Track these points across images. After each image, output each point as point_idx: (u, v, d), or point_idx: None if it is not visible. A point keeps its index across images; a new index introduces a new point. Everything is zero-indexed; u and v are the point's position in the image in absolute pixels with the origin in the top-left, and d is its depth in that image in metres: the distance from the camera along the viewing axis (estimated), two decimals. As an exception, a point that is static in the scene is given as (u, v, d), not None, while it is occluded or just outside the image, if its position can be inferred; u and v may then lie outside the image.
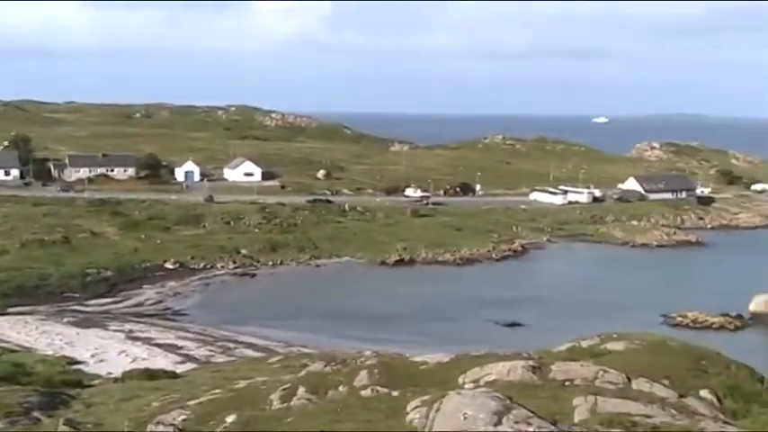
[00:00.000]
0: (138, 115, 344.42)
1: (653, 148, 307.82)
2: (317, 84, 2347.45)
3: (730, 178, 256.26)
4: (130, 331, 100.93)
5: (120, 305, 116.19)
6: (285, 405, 37.87)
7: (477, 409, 26.75)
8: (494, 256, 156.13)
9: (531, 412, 27.77)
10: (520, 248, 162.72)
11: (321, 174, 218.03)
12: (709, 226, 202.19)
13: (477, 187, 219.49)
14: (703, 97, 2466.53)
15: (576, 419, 31.03)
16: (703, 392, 40.91)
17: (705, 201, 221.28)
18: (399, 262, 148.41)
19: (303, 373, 48.32)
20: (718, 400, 40.86)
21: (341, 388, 39.85)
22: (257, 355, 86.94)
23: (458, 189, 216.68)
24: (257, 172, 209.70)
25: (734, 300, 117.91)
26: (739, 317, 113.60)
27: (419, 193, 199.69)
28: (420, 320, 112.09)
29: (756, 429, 32.79)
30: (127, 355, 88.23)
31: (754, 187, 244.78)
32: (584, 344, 52.01)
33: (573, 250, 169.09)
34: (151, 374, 63.21)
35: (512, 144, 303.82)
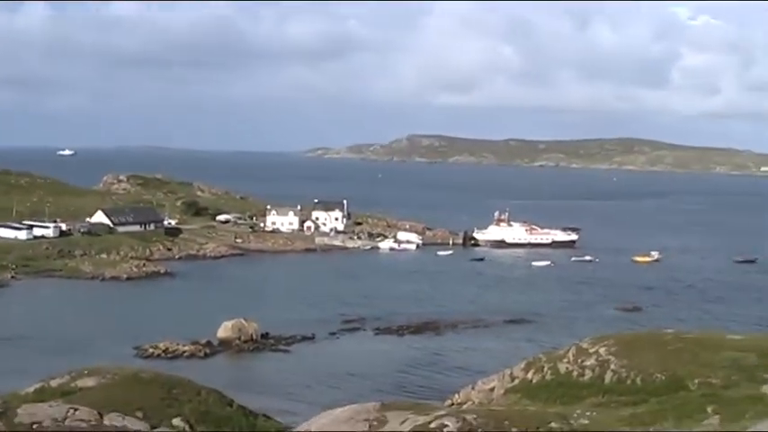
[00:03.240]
0: None
1: (120, 180, 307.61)
2: None
3: (196, 209, 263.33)
4: None
5: None
6: None
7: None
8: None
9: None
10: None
11: None
12: (177, 257, 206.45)
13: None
14: (165, 130, 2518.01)
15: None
16: (176, 421, 41.47)
17: (173, 232, 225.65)
18: None
19: None
20: (191, 426, 41.62)
21: None
22: None
23: None
24: None
25: (203, 327, 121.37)
26: (209, 343, 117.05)
27: None
28: None
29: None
30: None
31: (219, 218, 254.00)
32: (54, 383, 50.48)
33: (41, 287, 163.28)
34: None
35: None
